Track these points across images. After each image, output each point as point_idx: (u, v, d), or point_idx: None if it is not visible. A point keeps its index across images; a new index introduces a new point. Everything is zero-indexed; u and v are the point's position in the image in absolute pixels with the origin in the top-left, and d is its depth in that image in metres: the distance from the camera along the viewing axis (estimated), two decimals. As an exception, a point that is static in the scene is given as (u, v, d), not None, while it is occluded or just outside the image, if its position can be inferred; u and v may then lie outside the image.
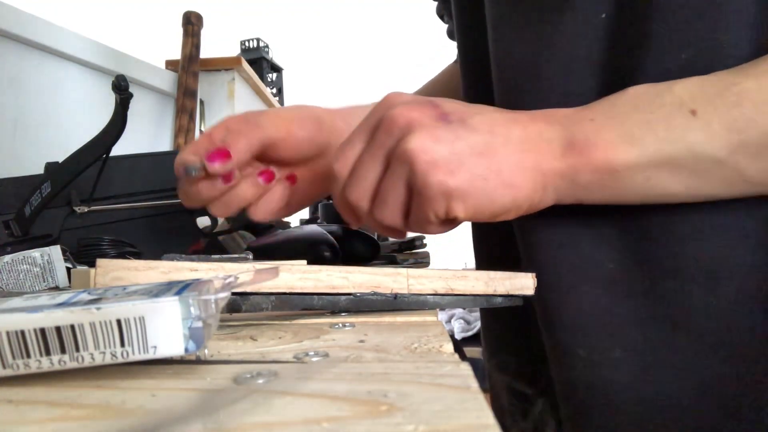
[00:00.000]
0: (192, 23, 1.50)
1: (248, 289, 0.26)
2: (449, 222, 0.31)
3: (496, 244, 0.48)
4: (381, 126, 0.30)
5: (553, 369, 0.38)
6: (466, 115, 0.29)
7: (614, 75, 0.34)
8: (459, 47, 0.49)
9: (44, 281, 0.50)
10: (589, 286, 0.35)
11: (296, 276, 0.27)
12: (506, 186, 0.28)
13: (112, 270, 0.24)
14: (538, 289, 0.33)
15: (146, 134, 1.35)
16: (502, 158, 0.28)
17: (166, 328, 0.17)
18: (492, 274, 0.31)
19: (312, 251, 0.60)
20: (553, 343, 0.37)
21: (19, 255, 0.49)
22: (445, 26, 0.61)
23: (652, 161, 0.28)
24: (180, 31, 1.50)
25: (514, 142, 0.29)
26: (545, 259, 0.36)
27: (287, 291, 0.27)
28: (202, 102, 1.52)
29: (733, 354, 0.32)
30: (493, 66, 0.40)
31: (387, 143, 0.30)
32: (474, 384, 0.16)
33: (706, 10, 0.30)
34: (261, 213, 0.40)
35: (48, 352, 0.17)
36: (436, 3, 0.60)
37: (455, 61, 0.60)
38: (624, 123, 0.28)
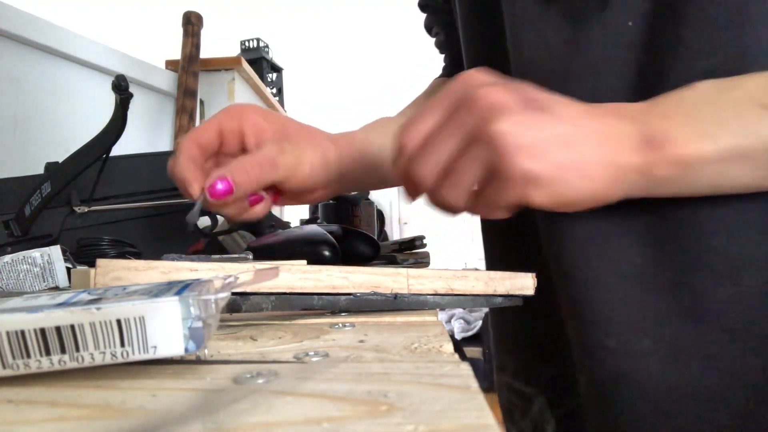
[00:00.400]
0: (192, 23, 1.50)
1: (248, 289, 0.26)
2: (516, 208, 0.31)
3: (507, 244, 0.49)
4: (463, 105, 0.29)
5: (581, 363, 0.39)
6: (550, 104, 0.29)
7: (643, 79, 0.35)
8: (466, 54, 0.49)
9: (44, 281, 0.50)
10: (618, 280, 0.36)
11: (296, 276, 0.27)
12: (585, 178, 0.29)
13: (112, 270, 0.24)
14: (565, 283, 0.33)
15: (146, 134, 1.35)
16: (584, 150, 0.29)
17: (166, 328, 0.17)
18: (492, 274, 0.31)
19: (312, 251, 0.60)
20: (581, 337, 0.38)
21: (19, 255, 0.49)
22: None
23: (726, 155, 0.29)
24: (180, 31, 1.50)
25: (594, 135, 0.29)
26: (573, 253, 0.37)
27: (287, 291, 0.27)
28: (202, 102, 1.52)
29: (760, 345, 0.33)
30: (515, 70, 0.41)
31: (468, 122, 0.29)
32: (474, 384, 0.16)
33: (734, 19, 0.32)
34: (236, 218, 0.43)
35: (48, 352, 0.17)
36: (425, 15, 0.60)
37: (441, 76, 0.61)
38: (698, 118, 0.29)
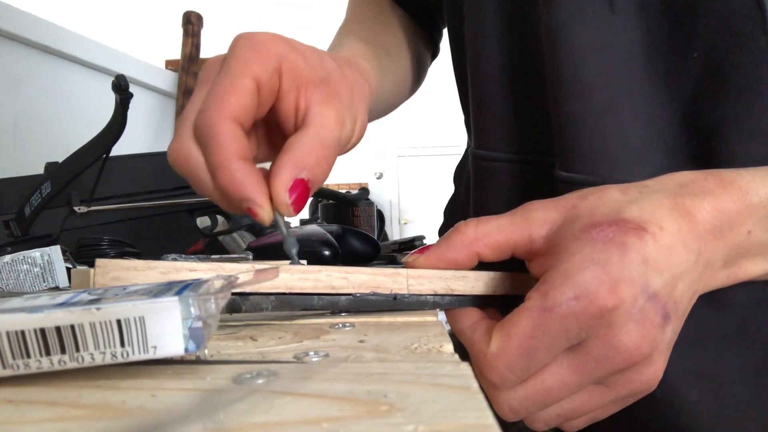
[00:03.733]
0: (192, 23, 1.50)
1: (248, 289, 0.26)
2: None
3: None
4: (599, 358, 0.25)
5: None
6: (678, 294, 0.26)
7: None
8: (479, 50, 0.45)
9: (44, 281, 0.50)
10: None
11: (296, 276, 0.27)
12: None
13: (111, 270, 0.24)
14: None
15: (146, 134, 1.35)
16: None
17: (166, 329, 0.17)
18: (492, 274, 0.31)
19: (312, 251, 0.60)
20: None
21: (19, 255, 0.49)
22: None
23: None
24: (180, 31, 1.50)
25: (697, 292, 0.29)
26: None
27: (287, 291, 0.27)
28: (202, 102, 1.52)
29: None
30: (555, 81, 0.38)
31: (601, 373, 0.25)
32: (474, 384, 0.16)
33: None
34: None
35: (48, 353, 0.17)
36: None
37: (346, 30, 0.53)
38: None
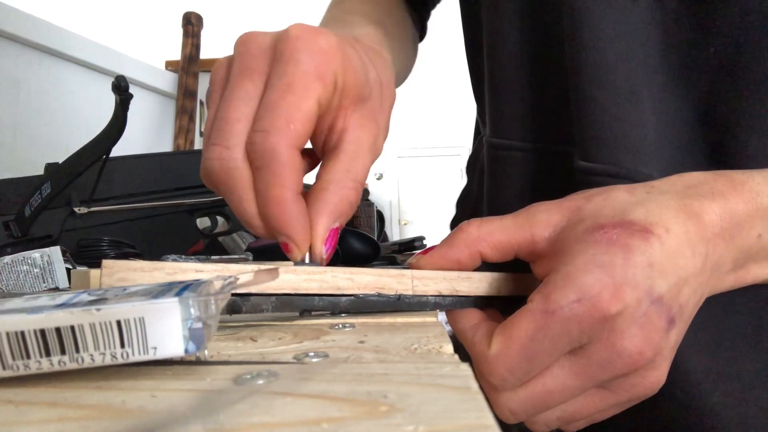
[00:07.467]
0: (192, 23, 1.50)
1: (252, 290, 0.26)
2: None
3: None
4: (602, 362, 0.25)
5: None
6: (684, 298, 0.25)
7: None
8: (496, 44, 0.44)
9: (44, 282, 0.50)
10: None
11: (302, 277, 0.27)
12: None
13: (117, 271, 0.24)
14: None
15: (146, 135, 1.35)
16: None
17: (166, 329, 0.17)
18: (496, 275, 0.31)
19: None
20: None
21: (19, 256, 0.49)
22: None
23: None
24: (180, 31, 1.51)
25: (703, 296, 0.28)
26: None
27: (292, 292, 0.27)
28: (202, 102, 1.52)
29: None
30: (577, 71, 0.37)
31: (603, 377, 0.25)
32: (474, 385, 0.16)
33: None
34: None
35: (48, 353, 0.17)
36: None
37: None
38: None
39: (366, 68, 0.30)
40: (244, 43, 0.28)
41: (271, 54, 0.27)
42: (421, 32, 0.62)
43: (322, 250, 0.27)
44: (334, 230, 0.28)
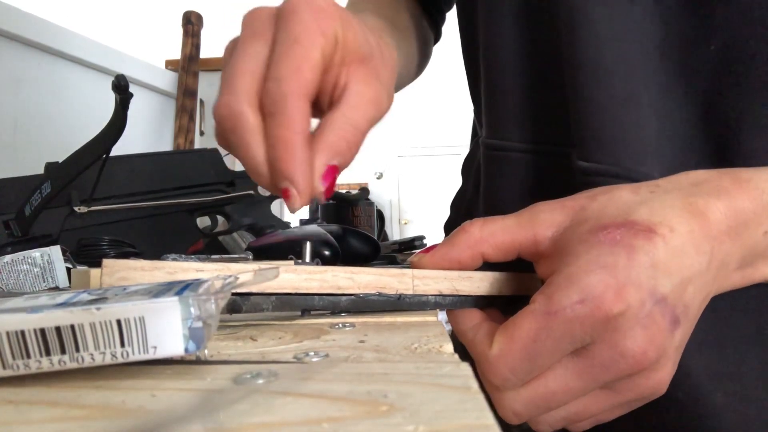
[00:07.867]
0: (192, 23, 1.50)
1: (252, 289, 0.26)
2: None
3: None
4: (605, 363, 0.24)
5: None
6: (689, 297, 0.25)
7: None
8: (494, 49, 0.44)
9: (44, 281, 0.50)
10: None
11: (302, 276, 0.27)
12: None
13: (117, 270, 0.24)
14: None
15: (146, 134, 1.35)
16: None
17: (166, 329, 0.17)
18: (498, 274, 0.31)
19: (312, 251, 0.60)
20: None
21: (19, 255, 0.49)
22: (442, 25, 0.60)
23: None
24: (180, 31, 1.50)
25: (709, 295, 0.28)
26: None
27: (293, 291, 0.27)
28: (202, 102, 1.52)
29: None
30: (574, 68, 0.37)
31: (606, 378, 0.25)
32: (474, 384, 0.16)
33: None
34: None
35: (48, 353, 0.17)
36: None
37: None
38: None
39: (365, 32, 0.31)
40: (250, 14, 0.30)
41: (275, 20, 0.29)
42: (435, 34, 0.63)
43: (320, 184, 0.28)
44: (332, 167, 0.28)
